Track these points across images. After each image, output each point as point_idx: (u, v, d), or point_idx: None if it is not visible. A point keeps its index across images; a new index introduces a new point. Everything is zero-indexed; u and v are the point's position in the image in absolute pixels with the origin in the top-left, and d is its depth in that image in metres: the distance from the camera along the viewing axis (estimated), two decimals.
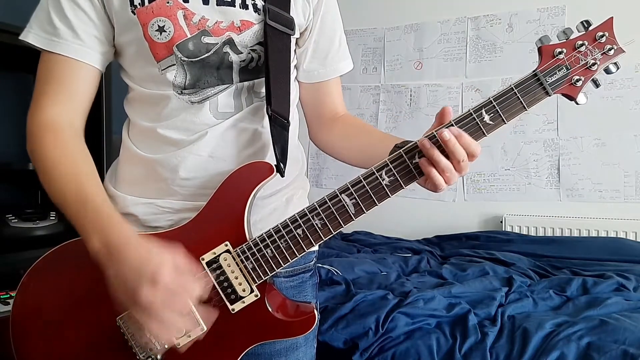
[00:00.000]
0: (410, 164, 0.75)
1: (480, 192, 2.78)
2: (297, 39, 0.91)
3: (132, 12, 0.79)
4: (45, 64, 0.81)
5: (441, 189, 0.74)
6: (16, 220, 1.80)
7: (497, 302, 1.58)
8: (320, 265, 1.88)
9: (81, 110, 0.83)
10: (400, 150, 0.76)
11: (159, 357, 0.79)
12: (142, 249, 0.70)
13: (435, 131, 0.73)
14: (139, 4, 0.79)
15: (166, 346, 0.77)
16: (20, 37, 0.81)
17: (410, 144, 0.76)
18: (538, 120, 2.64)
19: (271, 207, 0.89)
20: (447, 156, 0.73)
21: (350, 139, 0.95)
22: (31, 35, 0.80)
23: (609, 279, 1.77)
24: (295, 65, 0.93)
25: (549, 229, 2.58)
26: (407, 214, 2.78)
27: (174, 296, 0.69)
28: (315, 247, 0.82)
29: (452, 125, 0.74)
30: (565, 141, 2.60)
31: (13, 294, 1.47)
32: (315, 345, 0.96)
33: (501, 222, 2.68)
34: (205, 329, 0.78)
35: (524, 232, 2.60)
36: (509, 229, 2.64)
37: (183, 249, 0.74)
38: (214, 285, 0.77)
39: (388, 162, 0.75)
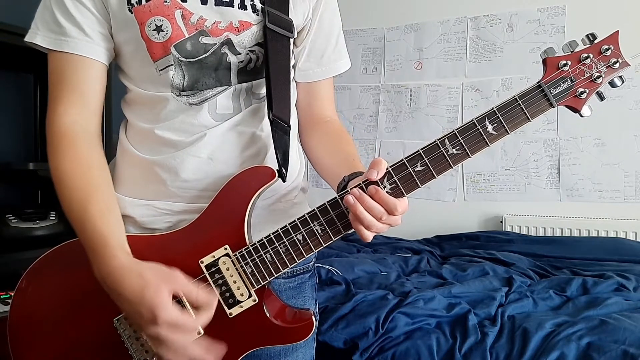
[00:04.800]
0: (411, 173, 0.74)
1: (480, 192, 2.78)
2: (294, 38, 0.90)
3: (129, 10, 0.78)
4: (55, 65, 0.81)
5: (369, 240, 0.74)
6: (16, 220, 1.80)
7: (497, 302, 1.58)
8: (320, 265, 1.88)
9: (95, 110, 0.83)
10: (403, 159, 0.74)
11: (154, 359, 0.78)
12: (136, 282, 0.70)
13: (351, 189, 0.73)
14: (136, 2, 0.78)
15: None
16: (27, 40, 0.81)
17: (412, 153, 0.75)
18: (538, 120, 2.63)
19: (271, 209, 0.88)
20: None
21: (321, 151, 0.93)
22: (39, 37, 0.80)
23: (609, 279, 1.77)
24: (293, 66, 0.93)
25: (549, 229, 2.57)
26: (407, 214, 2.76)
27: (177, 328, 0.70)
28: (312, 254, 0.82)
29: (372, 182, 0.73)
30: (565, 141, 2.60)
31: (13, 293, 1.47)
32: (315, 346, 0.96)
33: (501, 222, 2.68)
34: (202, 332, 0.78)
35: (524, 232, 2.60)
36: (509, 229, 2.63)
37: (180, 272, 0.74)
38: (212, 288, 0.77)
39: (391, 170, 0.74)
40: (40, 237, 1.81)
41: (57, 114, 0.80)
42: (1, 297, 1.53)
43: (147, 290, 0.69)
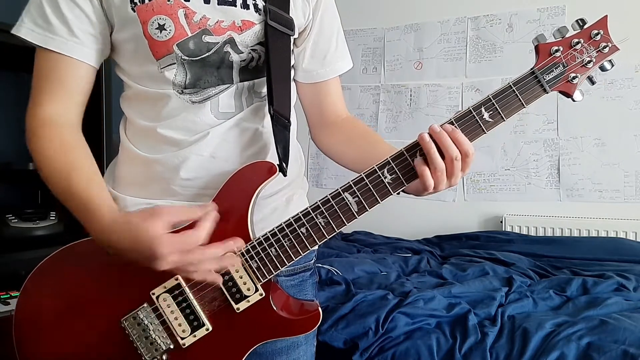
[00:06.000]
0: (411, 162, 0.76)
1: (480, 192, 2.78)
2: (295, 38, 0.90)
3: (132, 9, 0.78)
4: (41, 61, 0.80)
5: (427, 191, 0.76)
6: (16, 220, 1.80)
7: (497, 302, 1.58)
8: (320, 265, 1.88)
9: (78, 105, 0.83)
10: (402, 149, 0.76)
11: (164, 357, 0.79)
12: (126, 230, 0.70)
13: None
14: (139, 1, 0.78)
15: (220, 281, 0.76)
16: (13, 31, 0.79)
17: (412, 143, 0.76)
18: (538, 120, 2.64)
19: (272, 206, 0.89)
20: (442, 155, 0.74)
21: (352, 145, 0.94)
22: (24, 30, 0.78)
23: (609, 279, 1.77)
24: (293, 65, 0.93)
25: (549, 229, 2.57)
26: (407, 214, 2.78)
27: (182, 249, 0.69)
28: (316, 246, 0.83)
29: (448, 123, 0.75)
30: (565, 141, 2.60)
31: (13, 294, 1.47)
32: (315, 344, 0.96)
33: (501, 222, 2.68)
34: (211, 328, 0.78)
35: (524, 232, 2.60)
36: (509, 229, 2.63)
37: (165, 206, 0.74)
38: (218, 284, 0.77)
39: (390, 160, 0.76)
40: (40, 237, 1.81)
41: (38, 105, 0.80)
42: (1, 297, 1.53)
43: (137, 233, 0.69)
